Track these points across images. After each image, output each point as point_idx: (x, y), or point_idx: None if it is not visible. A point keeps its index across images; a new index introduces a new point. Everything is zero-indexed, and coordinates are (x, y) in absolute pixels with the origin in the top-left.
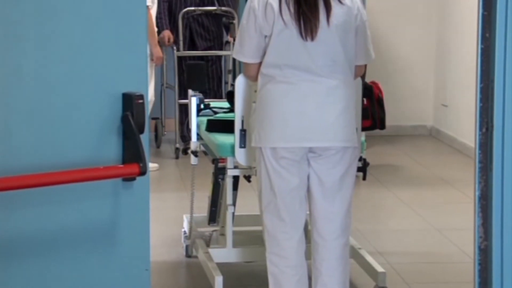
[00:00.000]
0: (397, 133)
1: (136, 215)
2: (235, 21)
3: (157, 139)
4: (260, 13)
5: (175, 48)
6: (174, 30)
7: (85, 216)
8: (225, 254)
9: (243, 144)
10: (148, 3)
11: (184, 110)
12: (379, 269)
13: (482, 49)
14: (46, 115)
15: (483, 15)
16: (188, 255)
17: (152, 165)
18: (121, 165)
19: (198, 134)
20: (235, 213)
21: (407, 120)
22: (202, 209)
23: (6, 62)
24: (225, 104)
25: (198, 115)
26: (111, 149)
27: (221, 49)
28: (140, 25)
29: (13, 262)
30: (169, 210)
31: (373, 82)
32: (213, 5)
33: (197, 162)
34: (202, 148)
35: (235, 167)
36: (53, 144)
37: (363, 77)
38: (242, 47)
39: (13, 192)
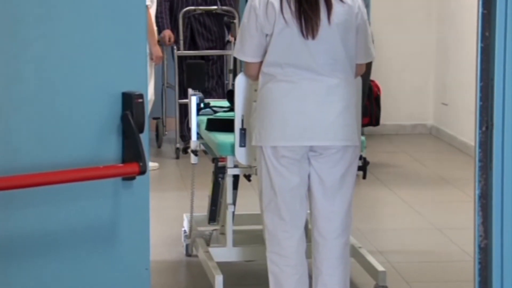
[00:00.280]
0: (397, 131)
1: (136, 214)
2: (236, 21)
3: (158, 139)
4: (261, 11)
5: (175, 47)
6: (175, 29)
7: (85, 215)
8: (225, 253)
9: (243, 143)
10: (148, 2)
11: (184, 109)
12: (380, 268)
13: (482, 47)
14: (46, 115)
15: (482, 14)
16: (188, 254)
17: (152, 164)
18: (121, 165)
19: (198, 133)
20: (235, 212)
21: (407, 118)
22: (202, 208)
23: (6, 62)
24: (225, 103)
25: (198, 114)
26: (111, 148)
27: (222, 49)
28: (140, 25)
29: (13, 261)
30: (169, 209)
31: (371, 81)
32: (215, 4)
33: (197, 161)
34: (202, 147)
35: (235, 166)
36: (53, 144)
37: (368, 76)
38: (243, 46)
39: (13, 191)
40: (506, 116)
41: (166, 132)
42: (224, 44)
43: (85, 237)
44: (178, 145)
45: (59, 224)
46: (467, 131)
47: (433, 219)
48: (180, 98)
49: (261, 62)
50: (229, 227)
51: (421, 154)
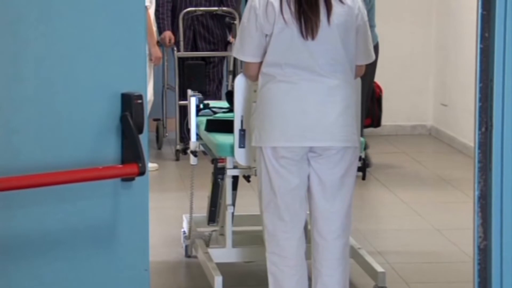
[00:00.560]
0: (397, 132)
1: (135, 215)
2: (237, 22)
3: (158, 140)
4: (261, 12)
5: (175, 49)
6: (177, 30)
7: (84, 216)
8: (224, 254)
9: (242, 144)
10: (147, 3)
11: (184, 111)
12: (379, 269)
13: (481, 48)
14: (45, 115)
15: (482, 14)
16: (187, 255)
17: (151, 165)
18: (120, 165)
19: (197, 134)
20: (235, 213)
21: (406, 119)
22: (202, 209)
23: (6, 62)
24: (225, 104)
25: (197, 115)
26: (110, 149)
27: (224, 51)
28: (139, 25)
29: (12, 261)
30: (168, 210)
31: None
32: (218, 5)
33: (196, 162)
34: (202, 148)
35: (235, 167)
36: (52, 144)
37: (372, 78)
38: (243, 46)
39: (12, 192)
40: (506, 117)
41: (167, 134)
42: (225, 47)
43: (85, 238)
44: (178, 147)
45: (58, 225)
46: (466, 132)
47: (432, 220)
48: (180, 99)
49: (260, 63)
50: (229, 228)
51: (420, 155)
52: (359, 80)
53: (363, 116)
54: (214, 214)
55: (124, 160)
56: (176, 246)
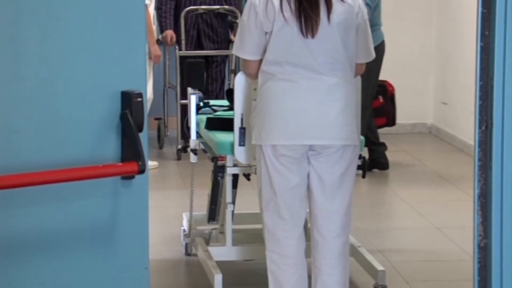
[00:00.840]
0: (397, 131)
1: (135, 213)
2: (238, 20)
3: (159, 139)
4: (261, 9)
5: (177, 47)
6: (179, 29)
7: (84, 214)
8: (224, 252)
9: (242, 142)
10: (147, 1)
11: (185, 110)
12: (379, 267)
13: (481, 47)
14: (45, 114)
15: (482, 13)
16: (187, 253)
17: (151, 163)
18: (120, 163)
19: (197, 132)
20: (235, 211)
21: (407, 118)
22: (202, 207)
23: (5, 61)
24: (225, 102)
25: (197, 113)
26: (110, 147)
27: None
28: (139, 24)
29: (12, 260)
30: (168, 208)
31: (384, 80)
32: (221, 4)
33: (196, 160)
34: (202, 146)
35: (235, 165)
36: (52, 143)
37: (376, 77)
38: (243, 44)
39: (12, 190)
40: (506, 115)
41: (168, 133)
42: (228, 45)
43: (84, 236)
44: (179, 146)
45: (58, 223)
46: (466, 130)
47: (432, 218)
48: (181, 98)
49: (260, 60)
50: (229, 226)
51: (420, 153)
52: (359, 78)
53: (367, 115)
54: (214, 212)
55: (124, 158)
56: (176, 244)
